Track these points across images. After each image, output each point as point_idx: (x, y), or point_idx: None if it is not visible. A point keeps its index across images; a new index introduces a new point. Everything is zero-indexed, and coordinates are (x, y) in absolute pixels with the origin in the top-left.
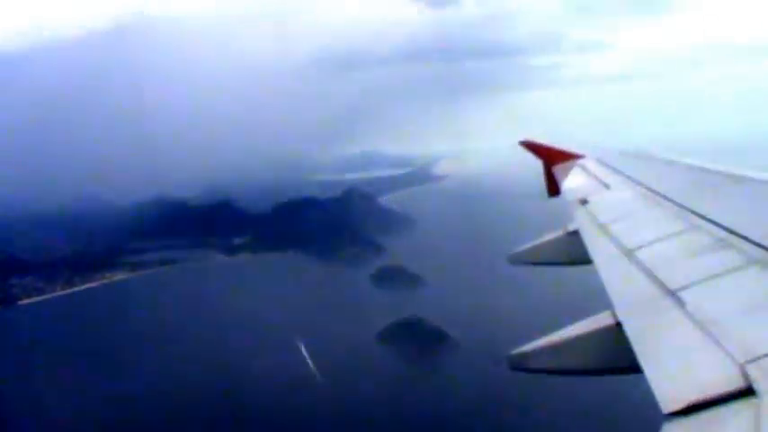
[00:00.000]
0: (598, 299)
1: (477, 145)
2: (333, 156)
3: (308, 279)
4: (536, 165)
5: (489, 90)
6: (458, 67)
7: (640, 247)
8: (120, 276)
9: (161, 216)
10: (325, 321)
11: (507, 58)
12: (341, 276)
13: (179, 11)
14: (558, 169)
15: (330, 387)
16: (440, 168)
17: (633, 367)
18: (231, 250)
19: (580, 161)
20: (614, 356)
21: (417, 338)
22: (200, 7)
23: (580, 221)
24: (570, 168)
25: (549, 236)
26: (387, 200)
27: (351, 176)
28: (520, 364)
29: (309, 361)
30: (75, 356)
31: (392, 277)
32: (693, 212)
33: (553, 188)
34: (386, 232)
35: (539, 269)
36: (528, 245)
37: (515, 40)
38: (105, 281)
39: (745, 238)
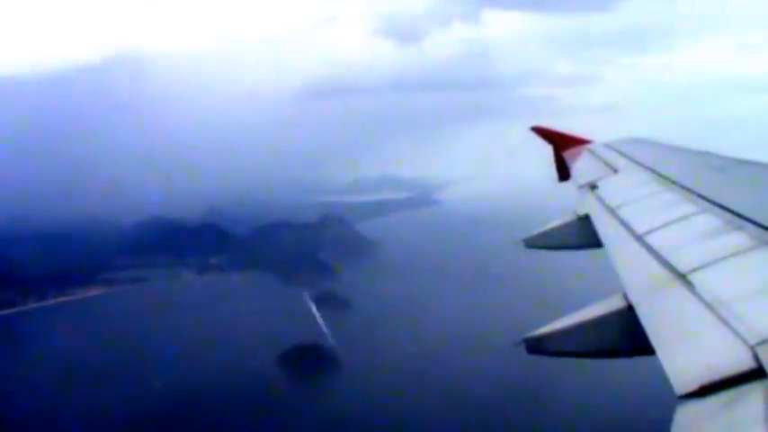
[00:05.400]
0: (609, 282)
1: (486, 170)
2: (348, 178)
3: (254, 299)
4: (537, 192)
5: (486, 118)
6: (448, 96)
7: (650, 231)
8: (93, 293)
9: (152, 235)
10: (235, 338)
11: (495, 90)
12: (282, 298)
13: (176, 46)
14: (567, 154)
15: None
16: (441, 193)
17: (645, 349)
18: (203, 270)
19: (589, 146)
20: (627, 339)
21: (310, 361)
22: (195, 43)
23: (590, 206)
24: (579, 153)
25: (560, 221)
26: (366, 225)
27: (351, 199)
28: (536, 348)
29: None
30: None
31: (326, 301)
32: (702, 196)
33: (563, 173)
34: (347, 258)
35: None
36: (539, 230)
37: (499, 73)
38: (77, 297)
39: (754, 222)
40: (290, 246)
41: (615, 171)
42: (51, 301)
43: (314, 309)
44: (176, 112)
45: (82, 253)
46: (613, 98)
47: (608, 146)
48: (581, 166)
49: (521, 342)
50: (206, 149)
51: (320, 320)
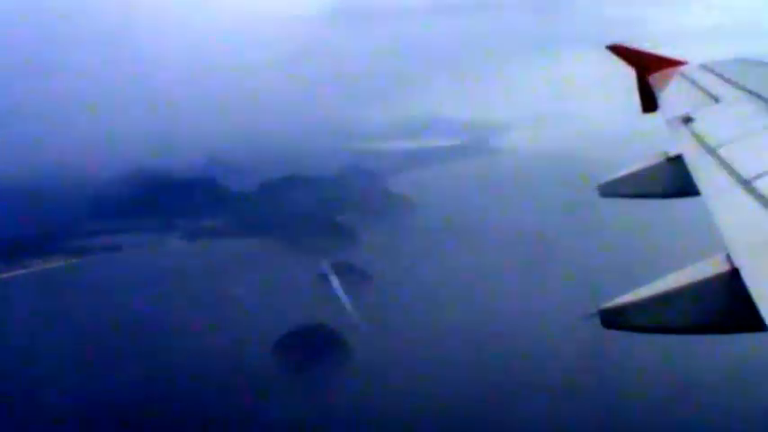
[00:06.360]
0: (707, 240)
1: (556, 109)
2: (384, 119)
3: (253, 270)
4: (619, 131)
5: (556, 46)
6: (508, 20)
7: (761, 176)
8: (55, 263)
9: (133, 193)
10: (228, 318)
11: (567, 11)
12: (289, 270)
13: None
14: (654, 79)
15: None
16: (502, 140)
17: (753, 325)
18: (194, 235)
19: (682, 69)
20: (729, 311)
21: (314, 347)
22: None
23: (684, 144)
24: (670, 78)
25: (645, 162)
26: (401, 179)
27: (387, 146)
28: (614, 322)
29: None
30: None
31: (341, 274)
32: None
33: (648, 103)
34: (372, 221)
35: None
36: (620, 174)
37: None
38: (37, 269)
39: None
40: (302, 205)
41: (716, 100)
42: (4, 275)
43: (335, 283)
44: (171, 40)
45: (45, 215)
46: (720, 20)
47: (707, 68)
48: (672, 93)
49: (595, 314)
50: (207, 86)
51: (337, 297)
